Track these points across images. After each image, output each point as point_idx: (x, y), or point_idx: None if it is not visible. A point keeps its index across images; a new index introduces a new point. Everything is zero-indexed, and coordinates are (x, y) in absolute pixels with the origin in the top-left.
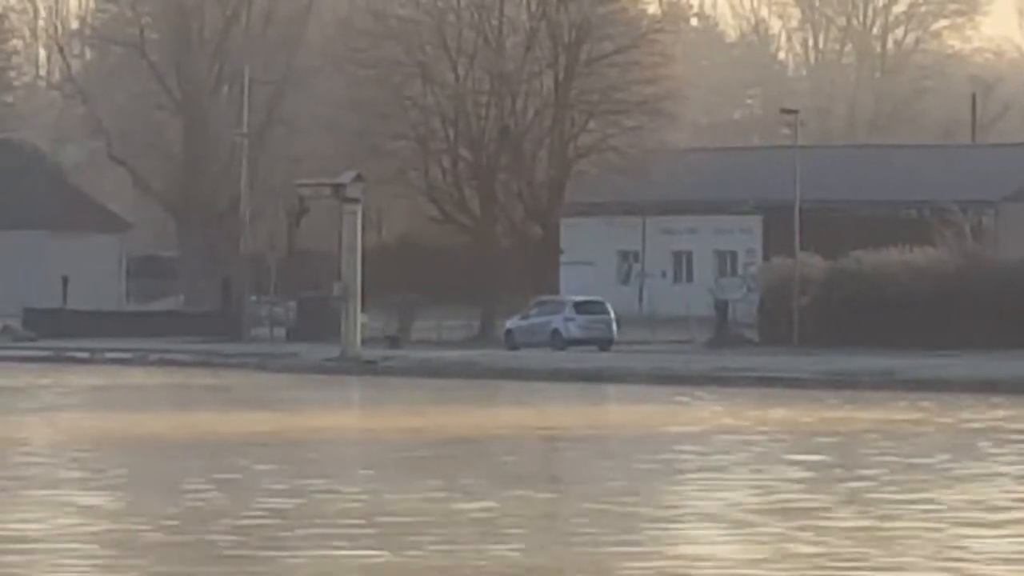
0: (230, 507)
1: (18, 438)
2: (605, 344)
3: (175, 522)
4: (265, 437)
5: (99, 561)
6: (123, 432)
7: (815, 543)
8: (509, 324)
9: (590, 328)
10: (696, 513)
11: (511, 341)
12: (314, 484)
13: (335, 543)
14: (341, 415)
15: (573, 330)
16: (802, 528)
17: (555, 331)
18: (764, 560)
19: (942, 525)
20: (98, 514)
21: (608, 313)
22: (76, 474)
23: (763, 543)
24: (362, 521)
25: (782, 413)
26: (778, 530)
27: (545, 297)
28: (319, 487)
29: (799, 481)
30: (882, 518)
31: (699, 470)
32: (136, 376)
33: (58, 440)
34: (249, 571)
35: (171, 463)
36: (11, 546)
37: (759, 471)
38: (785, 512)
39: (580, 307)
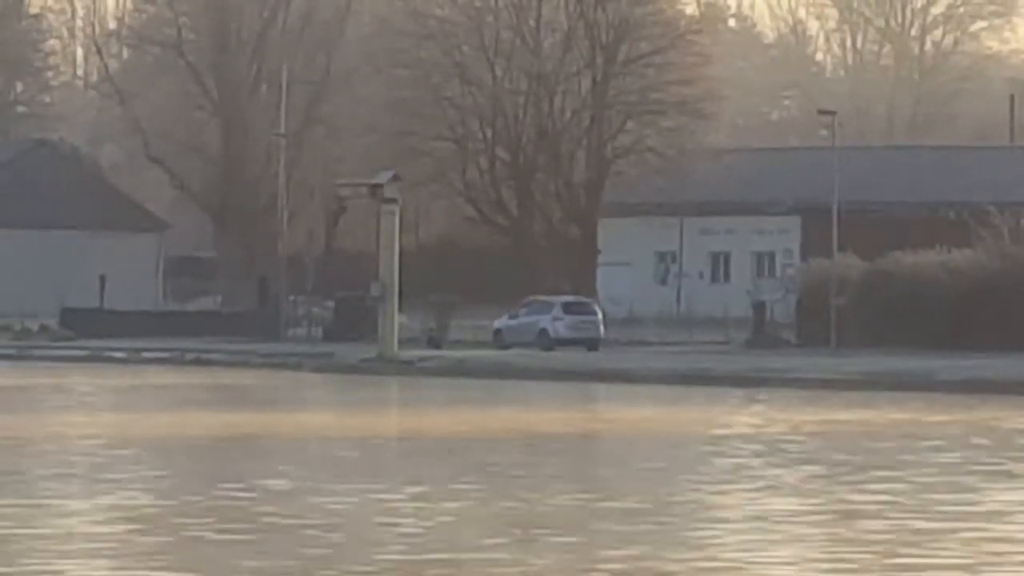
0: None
1: (63, 436)
2: (592, 344)
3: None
4: (333, 436)
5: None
6: (174, 431)
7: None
8: (498, 323)
9: (578, 328)
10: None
11: (500, 340)
12: (464, 489)
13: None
14: (395, 415)
15: (561, 330)
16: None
17: (543, 331)
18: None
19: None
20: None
21: (596, 314)
22: (122, 475)
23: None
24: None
25: (843, 415)
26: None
27: (533, 297)
28: (472, 492)
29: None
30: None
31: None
32: (173, 376)
33: (97, 439)
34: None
35: (267, 464)
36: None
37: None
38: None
39: (568, 307)
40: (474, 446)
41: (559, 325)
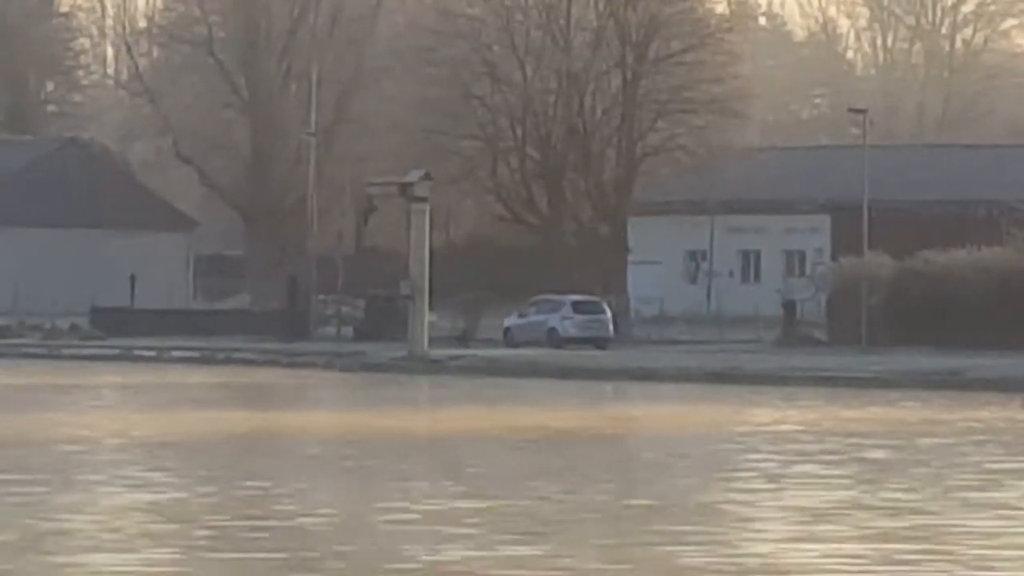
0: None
1: (95, 436)
2: (602, 343)
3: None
4: (380, 435)
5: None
6: (205, 430)
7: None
8: (507, 322)
9: (587, 327)
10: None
11: (510, 339)
12: (540, 487)
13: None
14: (435, 414)
15: (570, 329)
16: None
17: (552, 329)
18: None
19: None
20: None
21: (605, 312)
22: (158, 475)
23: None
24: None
25: (875, 413)
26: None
27: (543, 296)
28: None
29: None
30: None
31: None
32: (203, 375)
33: (132, 438)
34: None
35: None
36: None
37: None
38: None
39: (577, 306)
40: (519, 445)
41: (568, 324)
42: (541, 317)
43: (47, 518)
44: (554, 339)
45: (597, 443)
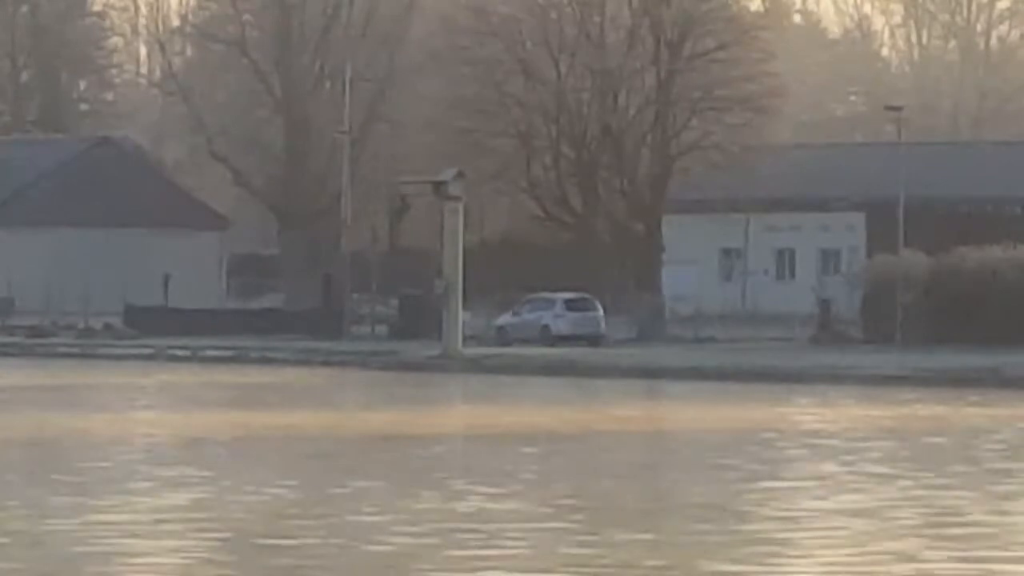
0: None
1: (139, 435)
2: (594, 340)
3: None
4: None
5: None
6: (242, 430)
7: None
8: (500, 320)
9: (579, 325)
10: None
11: (503, 337)
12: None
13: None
14: (476, 412)
15: (563, 327)
16: None
17: (545, 327)
18: None
19: None
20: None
21: (597, 310)
22: (190, 472)
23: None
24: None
25: (911, 411)
26: None
27: (536, 294)
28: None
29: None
30: None
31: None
32: (238, 374)
33: (171, 438)
34: None
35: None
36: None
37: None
38: None
39: (570, 304)
40: (560, 443)
41: (561, 322)
42: (534, 315)
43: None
44: (547, 337)
45: (651, 441)
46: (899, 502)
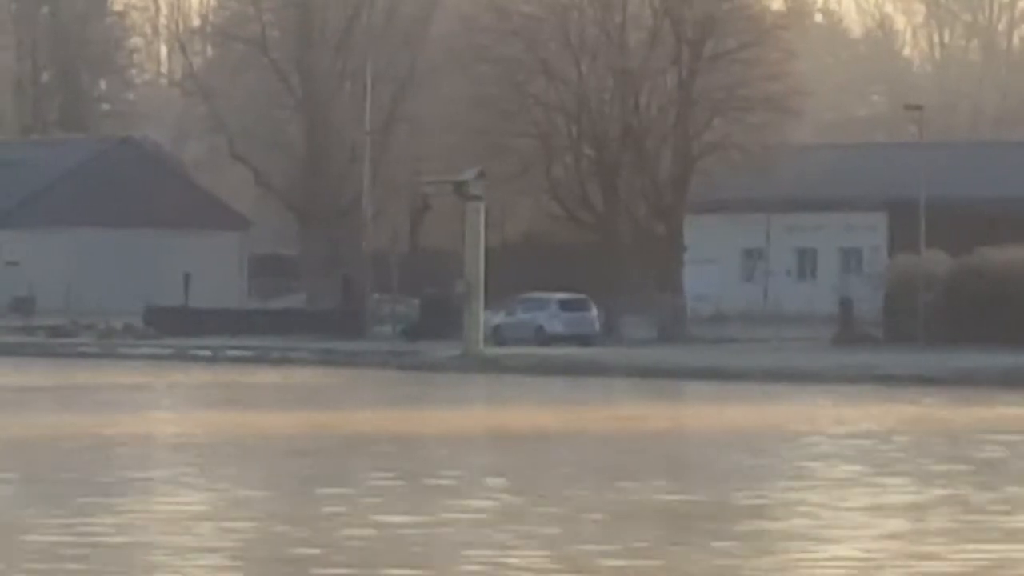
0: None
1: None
2: (587, 340)
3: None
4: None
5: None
6: (270, 430)
7: None
8: (495, 320)
9: (573, 325)
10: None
11: (498, 337)
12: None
13: None
14: (507, 413)
15: (557, 327)
16: None
17: (539, 327)
18: None
19: None
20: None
21: (591, 311)
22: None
23: None
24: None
25: (938, 412)
26: None
27: (530, 295)
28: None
29: None
30: None
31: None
32: (259, 374)
33: (200, 437)
34: None
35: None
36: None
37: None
38: None
39: (564, 304)
40: (592, 443)
41: (555, 322)
42: (528, 315)
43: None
44: (541, 337)
45: (682, 441)
46: (937, 503)
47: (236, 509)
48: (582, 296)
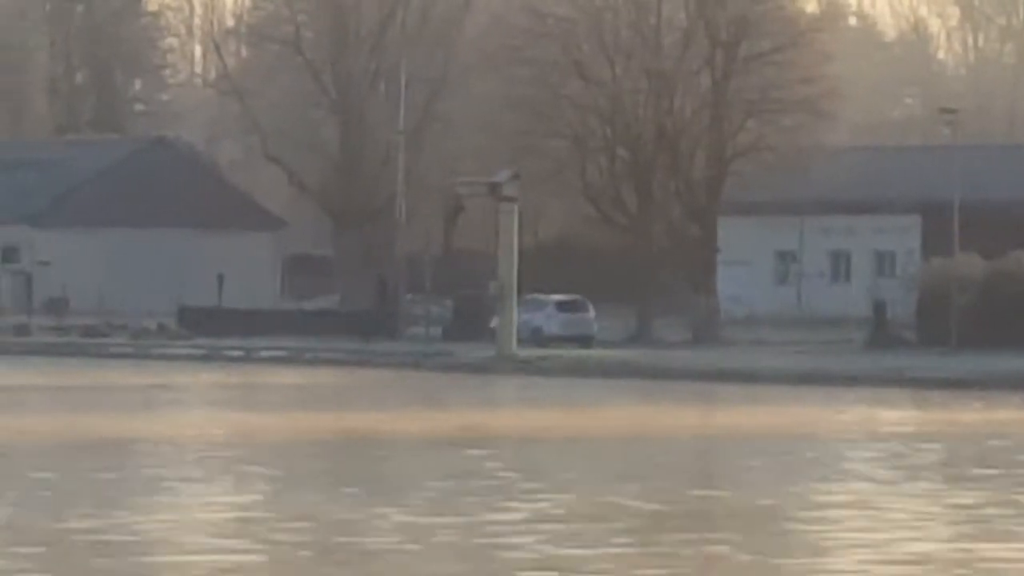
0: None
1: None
2: (585, 341)
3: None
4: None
5: None
6: (305, 431)
7: None
8: (494, 322)
9: (571, 326)
10: None
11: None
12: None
13: None
14: (541, 414)
15: (555, 328)
16: None
17: (537, 328)
18: None
19: None
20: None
21: (589, 311)
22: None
23: None
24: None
25: (970, 415)
26: None
27: (528, 296)
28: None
29: None
30: None
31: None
32: (292, 375)
33: (231, 439)
34: None
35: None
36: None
37: None
38: None
39: (562, 306)
40: (626, 445)
41: (553, 323)
42: (526, 316)
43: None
44: (539, 338)
45: (722, 444)
46: (984, 503)
47: (293, 508)
48: (579, 297)
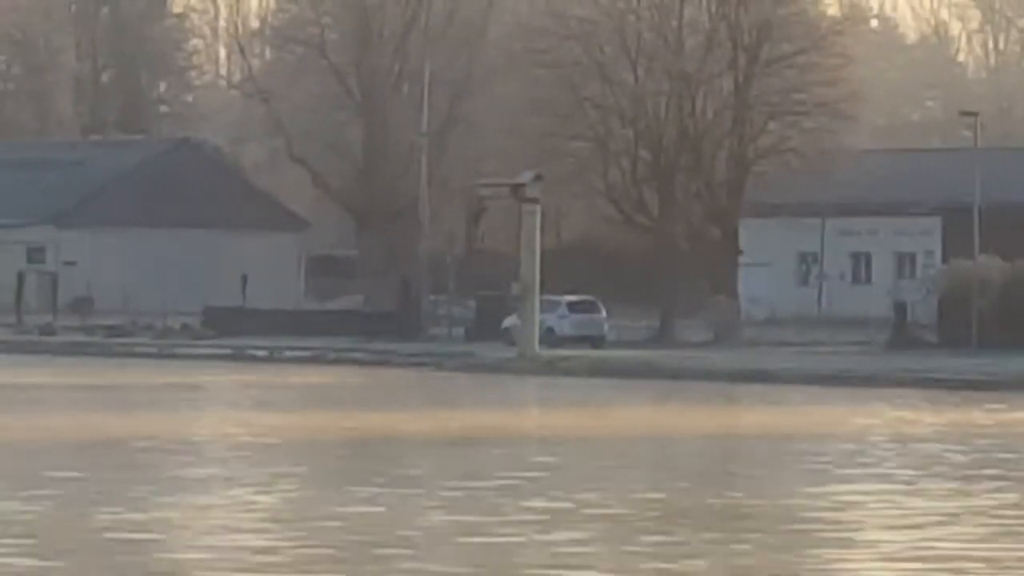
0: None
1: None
2: (597, 342)
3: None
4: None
5: None
6: (333, 430)
7: None
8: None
9: (583, 326)
10: None
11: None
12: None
13: None
14: (569, 415)
15: (566, 328)
16: None
17: (549, 329)
18: None
19: None
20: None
21: (600, 312)
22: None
23: None
24: None
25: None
26: None
27: (540, 296)
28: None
29: None
30: None
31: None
32: (316, 375)
33: (258, 439)
34: None
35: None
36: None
37: None
38: None
39: (573, 306)
40: (656, 445)
41: (564, 323)
42: (540, 317)
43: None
44: (551, 339)
45: (749, 444)
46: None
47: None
48: (591, 298)
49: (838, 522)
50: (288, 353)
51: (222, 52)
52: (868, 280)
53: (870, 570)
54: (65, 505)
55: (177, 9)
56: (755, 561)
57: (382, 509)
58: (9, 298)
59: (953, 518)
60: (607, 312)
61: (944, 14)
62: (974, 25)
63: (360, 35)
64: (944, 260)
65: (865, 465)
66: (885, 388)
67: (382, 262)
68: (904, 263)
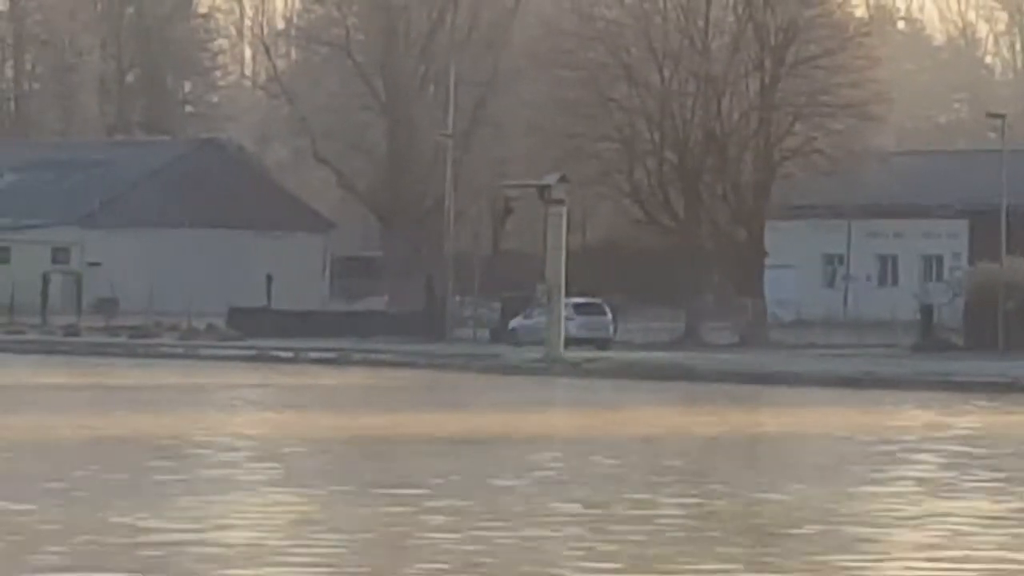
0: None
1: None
2: (603, 344)
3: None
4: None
5: None
6: (356, 431)
7: None
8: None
9: (589, 328)
10: None
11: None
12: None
13: None
14: (597, 417)
15: (572, 330)
16: None
17: None
18: None
19: None
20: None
21: (606, 314)
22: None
23: None
24: None
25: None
26: None
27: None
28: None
29: None
30: None
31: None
32: (341, 376)
33: (284, 440)
34: None
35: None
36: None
37: None
38: None
39: (579, 308)
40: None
41: (571, 325)
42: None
43: None
44: None
45: (776, 446)
46: None
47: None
48: (597, 300)
49: (872, 524)
50: (313, 354)
51: (247, 52)
52: (894, 282)
53: (912, 570)
54: (80, 503)
55: (202, 9)
56: (784, 561)
57: (440, 519)
58: (34, 299)
59: (995, 521)
60: (629, 314)
61: (971, 16)
62: (1001, 27)
63: (386, 36)
64: (971, 262)
65: (896, 467)
66: (912, 391)
67: (407, 263)
68: (931, 265)
